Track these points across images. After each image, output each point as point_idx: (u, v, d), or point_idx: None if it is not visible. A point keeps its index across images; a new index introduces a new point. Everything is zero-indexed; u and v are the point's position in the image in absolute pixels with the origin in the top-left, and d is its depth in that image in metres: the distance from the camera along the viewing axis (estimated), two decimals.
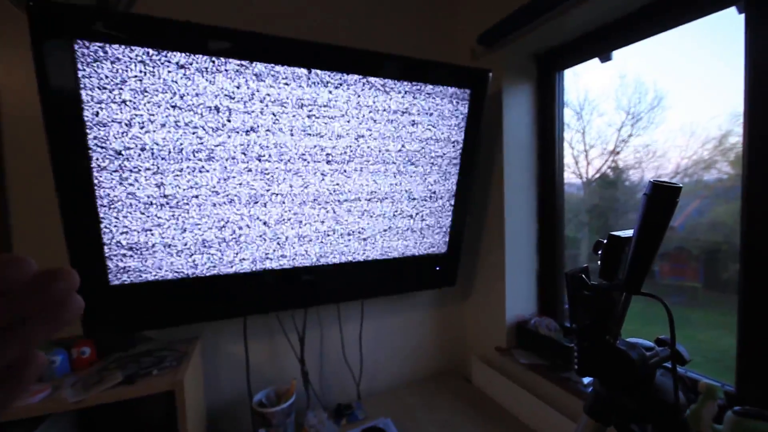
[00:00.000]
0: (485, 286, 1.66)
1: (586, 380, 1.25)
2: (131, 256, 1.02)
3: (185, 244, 1.07)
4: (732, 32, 0.97)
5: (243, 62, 1.00)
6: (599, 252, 0.63)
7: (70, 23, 0.84)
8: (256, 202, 1.12)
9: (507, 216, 1.50)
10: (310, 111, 1.12)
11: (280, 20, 1.35)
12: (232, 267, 1.14)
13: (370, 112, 1.20)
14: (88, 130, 0.90)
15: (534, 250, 1.58)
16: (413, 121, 1.27)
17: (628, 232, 0.61)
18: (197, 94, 0.98)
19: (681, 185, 0.52)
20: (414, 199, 1.36)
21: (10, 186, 1.11)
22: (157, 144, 0.97)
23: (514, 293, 1.54)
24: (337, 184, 1.22)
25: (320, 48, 1.10)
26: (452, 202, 1.45)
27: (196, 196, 1.04)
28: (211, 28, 0.96)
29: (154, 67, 0.92)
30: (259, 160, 1.09)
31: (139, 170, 0.97)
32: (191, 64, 0.96)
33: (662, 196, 0.53)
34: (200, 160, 1.02)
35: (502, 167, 1.48)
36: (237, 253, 1.14)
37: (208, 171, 1.04)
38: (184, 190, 1.03)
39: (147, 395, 0.98)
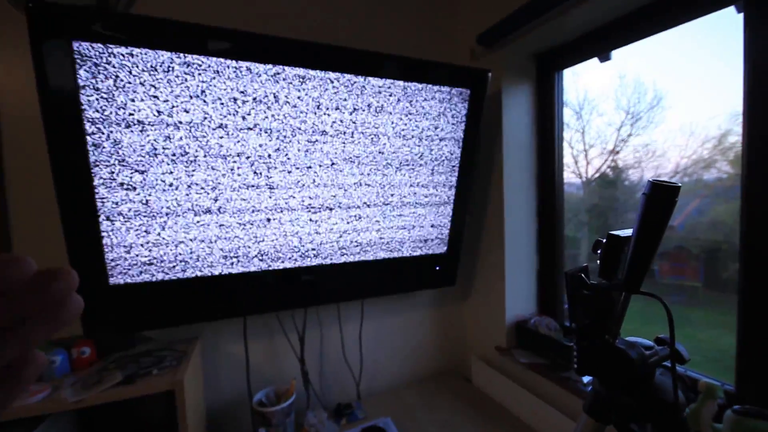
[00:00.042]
0: (485, 285, 1.66)
1: (586, 379, 1.25)
2: (131, 255, 1.02)
3: (185, 244, 1.07)
4: (731, 32, 0.97)
5: (243, 63, 1.00)
6: (599, 251, 0.63)
7: (68, 24, 0.84)
8: (257, 202, 1.12)
9: (507, 216, 1.50)
10: (309, 112, 1.12)
11: (280, 20, 1.35)
12: (232, 267, 1.14)
13: (369, 112, 1.20)
14: (87, 130, 0.90)
15: (534, 249, 1.58)
16: (413, 121, 1.27)
17: (628, 232, 0.61)
18: (198, 95, 0.98)
19: (680, 184, 0.52)
20: (413, 199, 1.36)
21: (10, 186, 1.11)
22: (157, 144, 0.97)
23: (513, 293, 1.54)
24: (337, 185, 1.22)
25: (320, 48, 1.10)
26: (452, 202, 1.45)
27: (197, 197, 1.04)
28: (210, 28, 0.96)
29: (153, 68, 0.92)
30: (260, 161, 1.09)
31: (139, 170, 0.97)
32: (191, 64, 0.96)
33: (661, 196, 0.53)
34: (200, 160, 1.02)
35: (501, 167, 1.49)
36: (237, 253, 1.14)
37: (207, 171, 1.04)
38: (184, 190, 1.02)
39: (147, 395, 0.98)
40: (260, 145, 1.08)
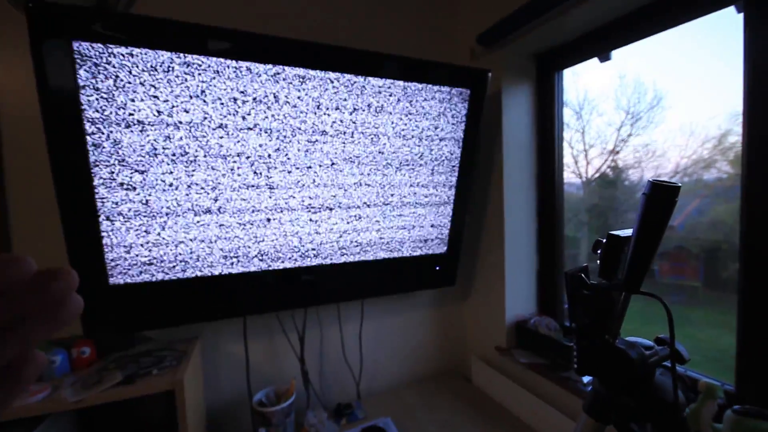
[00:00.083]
0: (485, 285, 1.66)
1: (586, 379, 1.25)
2: (131, 255, 1.02)
3: (185, 244, 1.07)
4: (731, 31, 0.97)
5: (243, 63, 1.00)
6: (599, 251, 0.63)
7: (68, 24, 0.84)
8: (256, 202, 1.12)
9: (506, 216, 1.50)
10: (308, 112, 1.12)
11: (280, 20, 1.35)
12: (232, 267, 1.14)
13: (369, 112, 1.20)
14: (87, 130, 0.90)
15: (534, 249, 1.58)
16: (412, 121, 1.27)
17: (628, 232, 0.61)
18: (198, 95, 0.98)
19: (680, 184, 0.52)
20: (413, 199, 1.36)
21: (9, 186, 1.11)
22: (157, 144, 0.97)
23: (513, 293, 1.54)
24: (337, 185, 1.22)
25: (319, 48, 1.10)
26: (452, 202, 1.45)
27: (197, 197, 1.04)
28: (210, 28, 0.96)
29: (153, 68, 0.92)
30: (260, 161, 1.09)
31: (139, 170, 0.97)
32: (191, 64, 0.96)
33: (661, 196, 0.53)
34: (200, 160, 1.02)
35: (501, 167, 1.49)
36: (237, 253, 1.14)
37: (207, 171, 1.04)
38: (184, 190, 1.02)
39: (147, 395, 0.98)
40: (260, 145, 1.08)
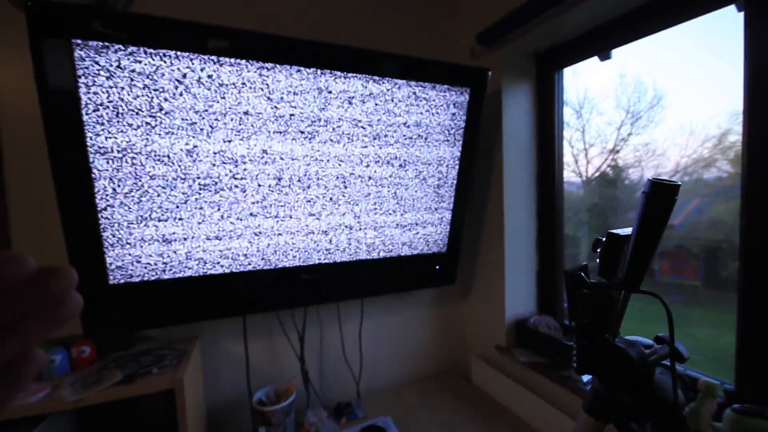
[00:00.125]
0: (485, 284, 1.66)
1: (586, 378, 1.25)
2: (130, 254, 1.02)
3: (185, 244, 1.07)
4: (731, 30, 0.97)
5: (244, 61, 1.00)
6: (598, 250, 0.63)
7: (68, 23, 0.83)
8: (257, 202, 1.12)
9: (506, 215, 1.50)
10: (308, 112, 1.12)
11: (280, 20, 1.35)
12: (231, 266, 1.14)
13: (368, 111, 1.19)
14: (86, 130, 0.90)
15: (533, 248, 1.58)
16: (412, 119, 1.27)
17: (627, 230, 0.61)
18: (198, 93, 0.98)
19: (679, 183, 0.52)
20: (413, 198, 1.36)
21: (9, 186, 1.11)
22: (158, 143, 0.97)
23: (513, 292, 1.54)
24: (336, 184, 1.22)
25: (320, 47, 1.10)
26: (452, 201, 1.45)
27: (198, 196, 1.04)
28: (210, 27, 0.96)
29: (152, 67, 0.92)
30: (260, 159, 1.09)
31: (139, 170, 0.97)
32: (191, 63, 0.96)
33: (661, 194, 0.53)
34: (202, 160, 1.02)
35: (501, 166, 1.48)
36: (237, 252, 1.14)
37: (208, 171, 1.04)
38: (185, 190, 1.02)
39: (147, 394, 0.98)
40: (261, 144, 1.08)
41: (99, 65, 0.88)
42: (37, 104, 0.85)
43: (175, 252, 1.06)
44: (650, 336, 0.67)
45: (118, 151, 0.94)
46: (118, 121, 0.92)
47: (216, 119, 1.01)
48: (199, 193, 1.05)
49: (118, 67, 0.89)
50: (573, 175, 1.51)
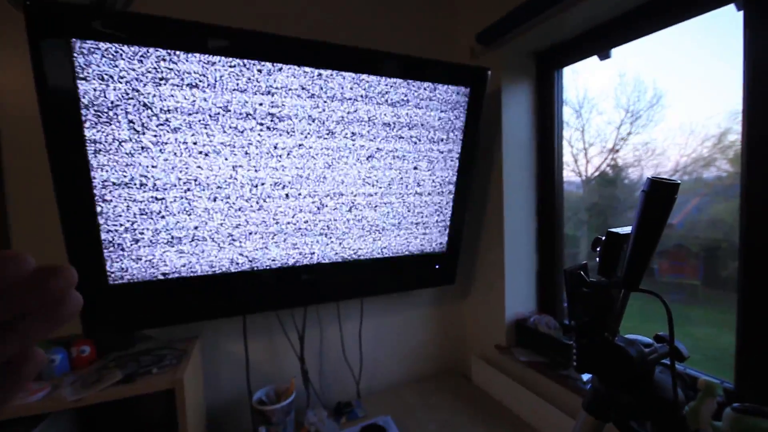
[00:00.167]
0: (485, 284, 1.66)
1: (585, 377, 1.25)
2: (130, 254, 1.02)
3: (185, 243, 1.07)
4: (731, 30, 0.97)
5: (244, 61, 1.00)
6: (598, 249, 0.63)
7: (67, 22, 0.84)
8: (258, 201, 1.12)
9: (506, 214, 1.50)
10: (306, 110, 1.12)
11: (280, 20, 1.35)
12: (231, 265, 1.14)
13: (368, 110, 1.19)
14: (86, 129, 0.90)
15: (533, 248, 1.58)
16: (412, 119, 1.27)
17: (627, 229, 0.61)
18: (200, 92, 0.98)
19: (679, 182, 0.52)
20: (413, 197, 1.36)
21: (9, 186, 1.11)
22: (158, 142, 0.97)
23: (513, 291, 1.54)
24: (336, 183, 1.22)
25: (319, 46, 1.09)
26: (451, 201, 1.45)
27: (198, 196, 1.04)
28: (211, 26, 0.96)
29: (152, 65, 0.92)
30: (260, 159, 1.09)
31: (139, 169, 0.97)
32: (191, 62, 0.95)
33: (660, 193, 0.53)
34: (202, 159, 1.02)
35: (501, 165, 1.49)
36: (237, 252, 1.14)
37: (208, 170, 1.04)
38: (185, 189, 1.02)
39: (147, 394, 0.98)
40: (261, 143, 1.08)
41: (98, 65, 0.88)
42: (37, 104, 0.85)
43: (174, 251, 1.06)
44: (650, 335, 0.67)
45: (118, 151, 0.94)
46: (117, 121, 0.92)
47: (217, 118, 1.01)
48: (200, 193, 1.05)
49: (118, 66, 0.89)
50: (573, 174, 1.51)
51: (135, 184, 0.97)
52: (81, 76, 0.87)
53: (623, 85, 1.34)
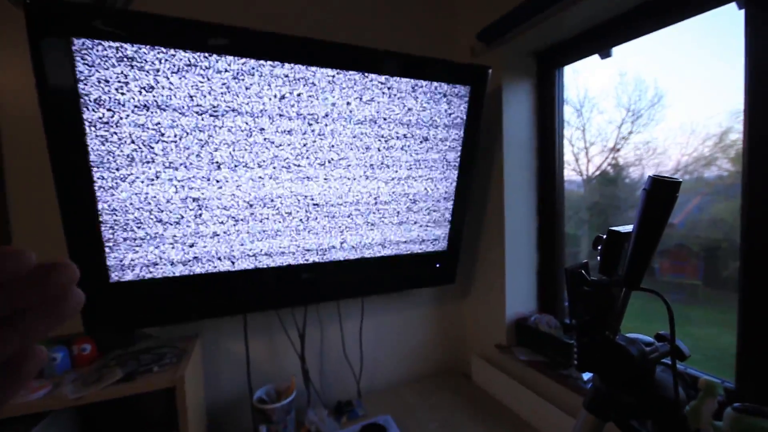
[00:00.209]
0: (485, 283, 1.66)
1: (586, 376, 1.25)
2: (131, 253, 1.02)
3: (185, 242, 1.07)
4: (732, 28, 0.96)
5: (245, 60, 1.00)
6: (599, 247, 0.63)
7: (67, 21, 0.83)
8: (259, 200, 1.12)
9: (507, 213, 1.50)
10: (304, 108, 1.11)
11: (280, 20, 1.35)
12: (232, 264, 1.14)
13: (369, 109, 1.19)
14: (86, 128, 0.90)
15: (534, 247, 1.58)
16: (412, 118, 1.27)
17: (628, 228, 0.61)
18: (201, 92, 0.98)
19: (680, 180, 0.52)
20: (413, 197, 1.36)
21: (9, 185, 1.11)
22: (158, 141, 0.97)
23: (513, 290, 1.54)
24: (336, 182, 1.21)
25: (319, 45, 1.09)
26: (452, 200, 1.45)
27: (198, 196, 1.04)
28: (210, 25, 0.96)
29: (153, 64, 0.92)
30: (261, 158, 1.09)
31: (140, 168, 0.97)
32: (191, 61, 0.95)
33: (661, 191, 0.53)
34: (202, 159, 1.02)
35: (501, 164, 1.48)
36: (237, 251, 1.14)
37: (208, 170, 1.04)
38: (185, 189, 1.02)
39: (147, 392, 0.98)
40: (262, 142, 1.08)
41: (99, 64, 0.87)
42: (37, 104, 0.85)
43: (175, 250, 1.06)
44: (651, 335, 0.67)
45: (119, 150, 0.94)
46: (118, 120, 0.92)
47: (218, 117, 1.01)
48: (200, 192, 1.05)
49: (118, 65, 0.89)
50: (573, 173, 1.51)
51: (136, 183, 0.97)
52: (82, 74, 0.87)
53: (624, 84, 1.34)
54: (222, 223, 1.09)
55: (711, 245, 1.21)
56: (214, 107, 1.00)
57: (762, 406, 0.82)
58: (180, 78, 0.95)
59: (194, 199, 1.04)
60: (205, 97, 0.99)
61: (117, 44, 0.88)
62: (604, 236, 0.63)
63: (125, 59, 0.90)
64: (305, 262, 1.25)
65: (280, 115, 1.08)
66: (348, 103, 1.16)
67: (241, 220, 1.11)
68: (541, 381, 1.34)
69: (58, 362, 1.02)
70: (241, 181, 1.08)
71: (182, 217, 1.04)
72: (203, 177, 1.04)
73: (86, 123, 0.90)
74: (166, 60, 0.93)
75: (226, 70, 0.99)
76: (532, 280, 1.59)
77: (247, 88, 1.03)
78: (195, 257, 1.09)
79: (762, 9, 0.90)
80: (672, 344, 0.60)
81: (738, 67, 0.95)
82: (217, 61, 0.98)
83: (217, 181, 1.06)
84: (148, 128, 0.95)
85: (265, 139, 1.08)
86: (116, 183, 0.96)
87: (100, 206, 0.95)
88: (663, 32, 1.12)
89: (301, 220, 1.20)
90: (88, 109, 0.89)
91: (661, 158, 1.25)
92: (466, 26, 1.59)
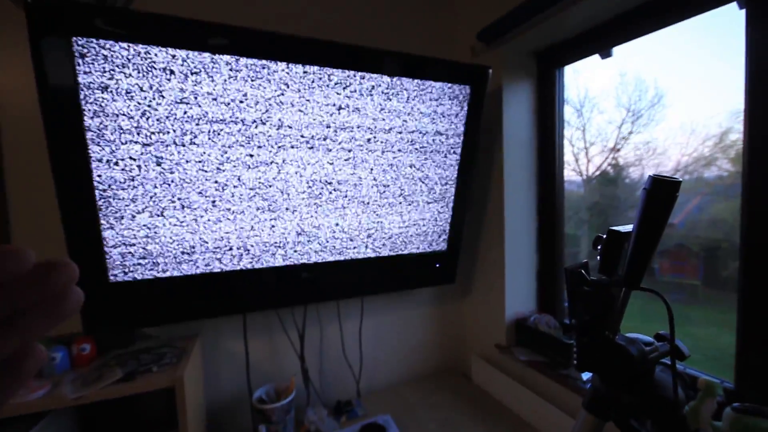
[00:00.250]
0: (485, 283, 1.66)
1: (586, 376, 1.25)
2: (131, 253, 1.02)
3: (185, 242, 1.07)
4: (733, 28, 0.96)
5: (245, 59, 1.00)
6: (599, 247, 0.63)
7: (68, 20, 0.83)
8: (259, 200, 1.12)
9: (507, 213, 1.50)
10: (310, 108, 1.11)
11: (280, 20, 1.35)
12: (232, 264, 1.14)
13: (368, 108, 1.19)
14: (86, 128, 0.90)
15: (534, 247, 1.58)
16: (412, 118, 1.27)
17: (628, 227, 0.61)
18: (200, 90, 0.98)
19: (680, 179, 0.52)
20: (413, 196, 1.36)
21: (10, 185, 1.11)
22: (158, 140, 0.97)
23: (513, 290, 1.54)
24: (336, 182, 1.21)
25: (319, 45, 1.09)
26: (452, 200, 1.45)
27: (198, 196, 1.04)
28: (213, 24, 0.96)
29: (153, 64, 0.92)
30: (262, 157, 1.09)
31: (140, 168, 0.97)
32: (192, 60, 0.95)
33: (662, 191, 0.53)
34: (203, 158, 1.02)
35: (501, 164, 1.48)
36: (237, 251, 1.14)
37: (209, 169, 1.04)
38: (186, 189, 1.02)
39: (147, 392, 0.98)
40: (265, 141, 1.08)
41: (99, 63, 0.87)
42: (37, 104, 0.85)
43: (175, 250, 1.06)
44: (650, 335, 0.67)
45: (119, 149, 0.94)
46: (118, 119, 0.92)
47: (220, 116, 1.01)
48: (200, 190, 1.04)
49: (119, 64, 0.89)
50: (573, 173, 1.51)
51: (136, 182, 0.97)
52: (82, 74, 0.86)
53: (624, 84, 1.34)
54: (224, 222, 1.09)
55: (711, 245, 1.21)
56: (215, 101, 1.00)
57: (761, 406, 0.82)
58: (180, 77, 0.95)
59: (197, 198, 1.04)
60: (205, 95, 0.99)
61: (117, 44, 0.88)
62: (604, 236, 0.63)
63: (125, 59, 0.89)
64: (305, 261, 1.25)
65: (281, 111, 1.08)
66: (345, 99, 1.16)
67: (245, 218, 1.11)
68: (541, 381, 1.34)
69: (57, 362, 1.02)
70: (245, 177, 1.08)
71: (184, 215, 1.04)
72: (204, 177, 1.04)
73: (86, 123, 0.89)
74: (167, 59, 0.93)
75: (226, 69, 0.99)
76: (532, 280, 1.59)
77: (251, 87, 1.02)
78: (196, 257, 1.09)
79: (763, 9, 0.90)
80: (672, 344, 0.60)
81: (738, 67, 0.95)
82: (216, 60, 0.98)
83: (216, 182, 1.06)
84: (148, 128, 0.95)
85: (269, 138, 1.08)
86: (118, 182, 0.95)
87: (100, 205, 0.95)
88: (663, 32, 1.12)
89: (301, 219, 1.20)
90: (88, 109, 0.89)
91: (661, 158, 1.25)
92: (466, 26, 1.59)
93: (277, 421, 1.23)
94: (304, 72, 1.08)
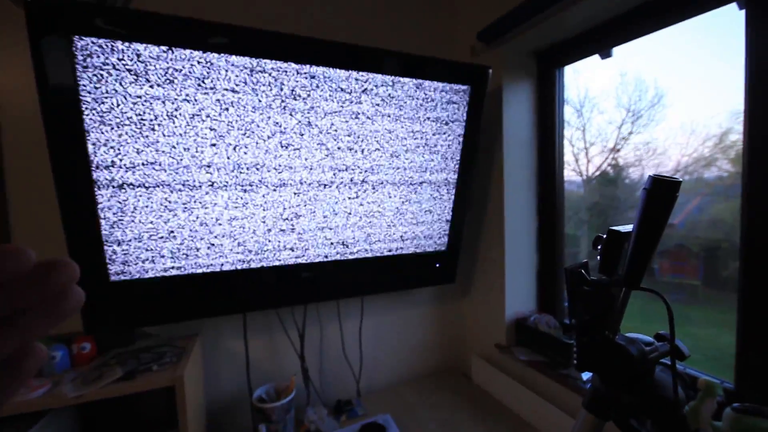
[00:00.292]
0: (485, 283, 1.66)
1: (586, 376, 1.25)
2: (131, 252, 1.02)
3: (185, 242, 1.07)
4: (733, 29, 0.96)
5: (246, 58, 1.00)
6: (599, 247, 0.63)
7: (68, 19, 0.83)
8: (258, 199, 1.12)
9: (507, 213, 1.50)
10: (303, 107, 1.11)
11: (280, 19, 1.35)
12: (232, 264, 1.14)
13: (368, 108, 1.19)
14: (87, 127, 0.90)
15: (534, 247, 1.58)
16: (412, 118, 1.27)
17: (628, 227, 0.61)
18: (202, 90, 0.98)
19: (680, 179, 0.52)
20: (413, 196, 1.36)
21: (10, 185, 1.11)
22: (158, 140, 0.97)
23: (513, 290, 1.54)
24: (336, 182, 1.21)
25: (319, 44, 1.09)
26: (452, 200, 1.45)
27: (198, 196, 1.04)
28: (213, 24, 0.96)
29: (153, 63, 0.92)
30: (262, 157, 1.09)
31: (140, 168, 0.97)
32: (192, 59, 0.95)
33: (662, 191, 0.53)
34: (203, 158, 1.02)
35: (501, 164, 1.48)
36: (237, 250, 1.14)
37: (209, 169, 1.04)
38: (186, 189, 1.02)
39: (147, 391, 0.98)
40: (266, 141, 1.08)
41: (99, 62, 0.87)
42: (37, 104, 0.85)
43: (175, 249, 1.06)
44: (650, 335, 0.67)
45: (120, 148, 0.94)
46: (118, 118, 0.92)
47: (220, 115, 1.01)
48: (201, 190, 1.05)
49: (119, 64, 0.89)
50: (573, 173, 1.51)
51: (136, 181, 0.97)
52: (82, 73, 0.86)
53: (624, 85, 1.34)
54: (223, 220, 1.09)
55: (711, 245, 1.20)
56: (216, 101, 1.00)
57: (761, 407, 0.82)
58: (180, 78, 0.95)
59: (197, 197, 1.04)
60: (206, 93, 0.99)
61: (118, 43, 0.88)
62: (604, 236, 0.63)
63: (126, 58, 0.89)
64: (305, 261, 1.25)
65: (281, 110, 1.08)
66: (344, 98, 1.16)
67: (245, 218, 1.11)
68: (541, 381, 1.34)
69: (57, 361, 1.02)
70: (241, 180, 1.08)
71: (185, 213, 1.04)
72: (204, 178, 1.04)
73: (86, 123, 0.89)
74: (167, 58, 0.93)
75: (226, 69, 0.99)
76: (532, 280, 1.59)
77: (253, 87, 1.02)
78: (196, 257, 1.09)
79: (763, 9, 0.90)
80: (672, 344, 0.60)
81: (738, 67, 0.95)
82: (216, 59, 0.98)
83: (213, 183, 1.06)
84: (148, 127, 0.95)
85: (269, 137, 1.08)
86: (118, 182, 0.95)
87: (100, 204, 0.95)
88: (663, 32, 1.12)
89: (301, 218, 1.20)
90: (88, 109, 0.89)
91: (661, 159, 1.25)
92: (467, 26, 1.59)
93: (277, 421, 1.23)
94: (306, 72, 1.08)
